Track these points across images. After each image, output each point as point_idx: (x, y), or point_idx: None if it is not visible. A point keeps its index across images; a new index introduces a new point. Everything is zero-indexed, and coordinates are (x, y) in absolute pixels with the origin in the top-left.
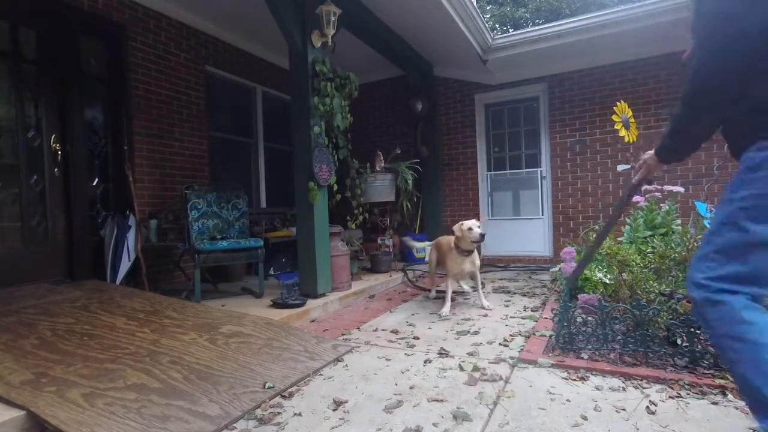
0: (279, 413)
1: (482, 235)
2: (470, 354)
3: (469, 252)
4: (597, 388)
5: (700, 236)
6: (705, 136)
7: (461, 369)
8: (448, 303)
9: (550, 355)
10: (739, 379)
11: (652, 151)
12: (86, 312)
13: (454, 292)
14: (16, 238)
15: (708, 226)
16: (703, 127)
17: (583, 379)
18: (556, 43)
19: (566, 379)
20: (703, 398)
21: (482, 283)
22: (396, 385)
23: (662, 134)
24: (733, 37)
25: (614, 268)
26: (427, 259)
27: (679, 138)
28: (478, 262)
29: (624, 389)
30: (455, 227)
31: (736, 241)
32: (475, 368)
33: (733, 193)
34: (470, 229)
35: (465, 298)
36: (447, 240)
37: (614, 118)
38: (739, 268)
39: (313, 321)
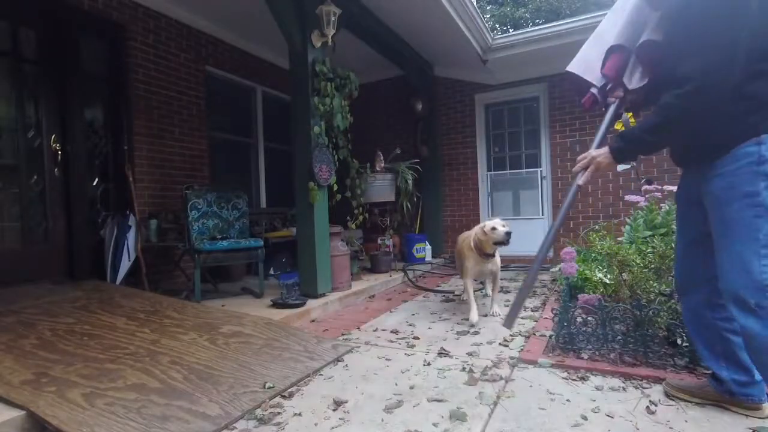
0: (279, 413)
1: (508, 234)
2: (470, 354)
3: (491, 255)
4: (597, 389)
5: None
6: (683, 136)
7: (461, 369)
8: (475, 309)
9: (550, 355)
10: None
11: (603, 150)
12: (86, 312)
13: (455, 295)
14: (16, 238)
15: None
16: (690, 124)
17: (583, 379)
18: (556, 43)
19: (566, 379)
20: (700, 401)
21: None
22: (396, 385)
23: (628, 134)
24: (732, 25)
25: (614, 268)
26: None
27: (658, 135)
28: (499, 263)
29: (624, 389)
30: (476, 229)
31: None
32: (475, 368)
33: (749, 186)
34: (494, 228)
35: (464, 298)
36: (465, 236)
37: None
38: None
39: (313, 321)
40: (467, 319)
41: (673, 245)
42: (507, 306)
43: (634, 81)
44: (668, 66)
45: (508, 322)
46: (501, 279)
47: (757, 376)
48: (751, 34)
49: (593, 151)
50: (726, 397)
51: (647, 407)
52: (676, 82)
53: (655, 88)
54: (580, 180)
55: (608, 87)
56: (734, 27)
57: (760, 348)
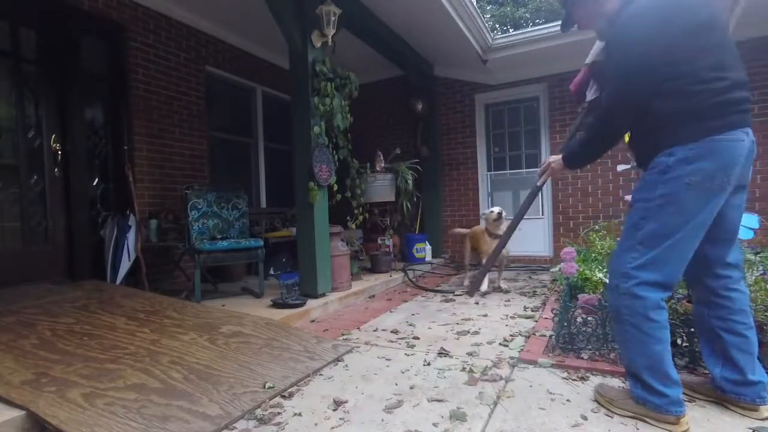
0: (279, 413)
1: (499, 213)
2: (470, 354)
3: (497, 235)
4: None
5: None
6: (611, 146)
7: (461, 369)
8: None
9: (550, 355)
10: (625, 355)
11: (558, 157)
12: (86, 312)
13: (455, 294)
14: (16, 238)
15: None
16: (612, 138)
17: (583, 379)
18: (556, 43)
19: (566, 379)
20: (703, 398)
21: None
22: (396, 385)
23: (571, 145)
24: (642, 56)
25: None
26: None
27: (588, 147)
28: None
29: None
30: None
31: (656, 232)
32: (475, 368)
33: (647, 192)
34: (491, 211)
35: (466, 298)
36: (479, 227)
37: None
38: (660, 255)
39: (313, 321)
40: (467, 319)
41: None
42: (507, 305)
43: (589, 95)
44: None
45: (471, 289)
46: (502, 279)
47: (751, 377)
48: (652, 62)
49: (551, 158)
50: (719, 393)
51: None
52: (601, 104)
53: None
54: (539, 182)
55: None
56: (629, 58)
57: (611, 315)
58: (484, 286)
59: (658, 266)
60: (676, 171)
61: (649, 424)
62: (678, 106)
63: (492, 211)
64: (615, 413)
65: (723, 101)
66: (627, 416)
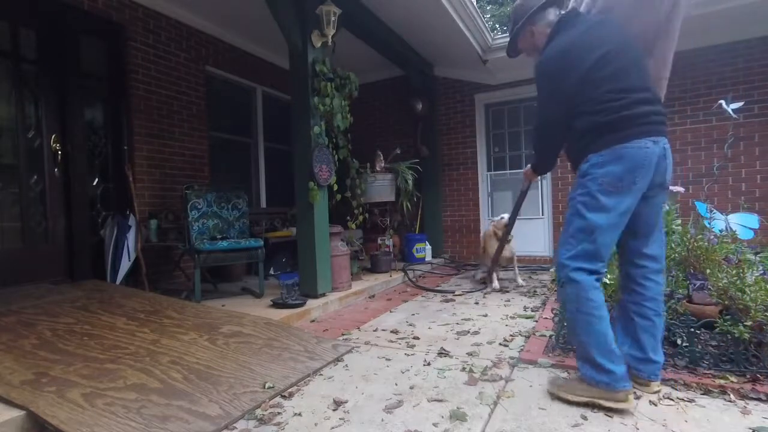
0: (279, 413)
1: (507, 222)
2: (470, 354)
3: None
4: None
5: (700, 236)
6: (556, 156)
7: (461, 369)
8: (496, 280)
9: (551, 355)
10: (576, 338)
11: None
12: (86, 312)
13: (455, 294)
14: (16, 238)
15: (707, 225)
16: (552, 149)
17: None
18: None
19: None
20: (703, 398)
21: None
22: (396, 385)
23: (533, 153)
24: (555, 90)
25: (614, 267)
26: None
27: (539, 158)
28: (515, 249)
29: None
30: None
31: (582, 228)
32: (475, 368)
33: (573, 193)
34: (501, 218)
35: (467, 298)
36: (488, 231)
37: None
38: (586, 246)
39: (313, 321)
40: (467, 319)
41: (672, 245)
42: (507, 305)
43: None
44: None
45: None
46: (501, 279)
47: (652, 356)
48: (572, 89)
49: (527, 167)
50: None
51: (647, 406)
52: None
53: None
54: (523, 186)
55: None
56: (553, 86)
57: (563, 306)
58: (496, 285)
59: (585, 256)
60: (591, 174)
61: (651, 420)
62: (588, 123)
63: (502, 218)
64: (570, 401)
65: (625, 116)
66: (581, 402)
